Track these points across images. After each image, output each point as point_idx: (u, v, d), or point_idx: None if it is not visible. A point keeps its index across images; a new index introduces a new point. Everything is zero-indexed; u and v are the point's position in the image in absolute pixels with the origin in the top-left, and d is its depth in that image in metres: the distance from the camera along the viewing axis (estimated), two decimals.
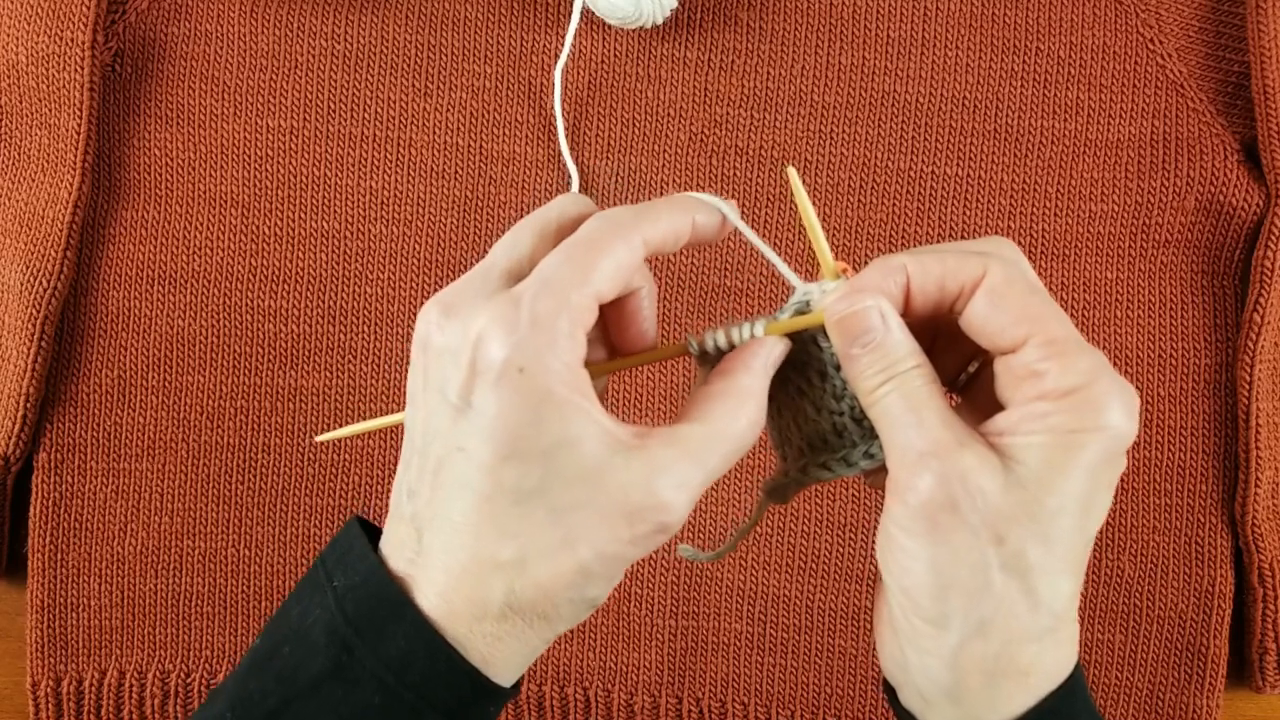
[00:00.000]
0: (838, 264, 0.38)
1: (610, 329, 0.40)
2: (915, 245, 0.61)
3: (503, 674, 0.38)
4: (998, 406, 0.37)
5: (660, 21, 0.60)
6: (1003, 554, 0.35)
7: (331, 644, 0.37)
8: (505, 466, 0.35)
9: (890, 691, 0.40)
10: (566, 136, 0.62)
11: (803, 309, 0.38)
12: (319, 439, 0.48)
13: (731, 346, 0.39)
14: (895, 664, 0.39)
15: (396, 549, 0.38)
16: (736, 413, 0.37)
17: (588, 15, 0.62)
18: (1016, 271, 0.37)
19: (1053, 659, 0.37)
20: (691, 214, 0.39)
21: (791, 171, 0.39)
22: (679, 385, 0.62)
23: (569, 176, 0.62)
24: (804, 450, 0.40)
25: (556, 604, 0.37)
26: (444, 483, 0.37)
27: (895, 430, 0.37)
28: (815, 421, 0.39)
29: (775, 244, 0.61)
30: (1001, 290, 0.36)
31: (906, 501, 0.36)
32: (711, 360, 0.39)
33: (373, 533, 0.40)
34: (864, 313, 0.37)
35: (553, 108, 0.62)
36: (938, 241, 0.62)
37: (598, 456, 0.35)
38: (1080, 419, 0.35)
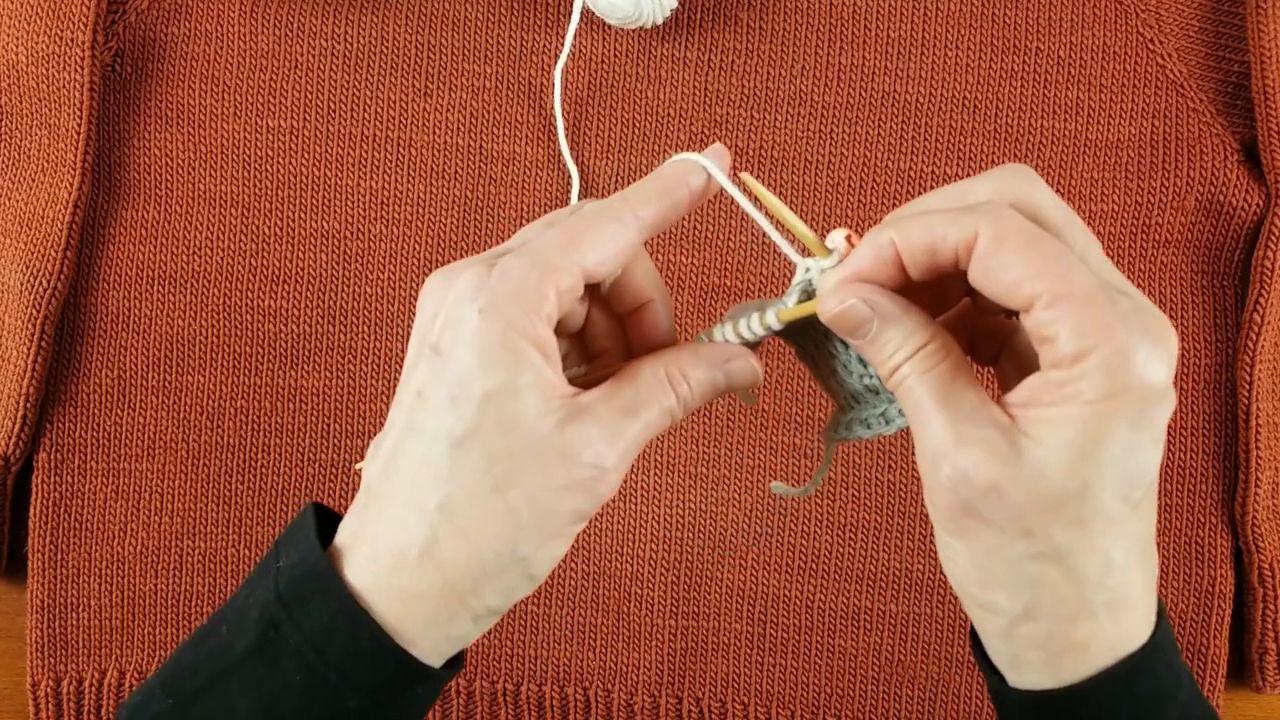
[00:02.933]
0: (843, 230, 0.38)
1: (632, 342, 0.41)
2: None
3: (428, 650, 0.37)
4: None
5: (660, 21, 0.60)
6: (1033, 544, 0.34)
7: (261, 620, 0.37)
8: (449, 408, 0.36)
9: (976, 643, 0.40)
10: (566, 136, 0.62)
11: (807, 288, 0.38)
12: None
13: (742, 340, 0.39)
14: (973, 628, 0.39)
15: (348, 519, 0.39)
16: (668, 393, 0.38)
17: (588, 15, 0.62)
18: (1010, 225, 0.34)
19: (1114, 630, 0.35)
20: (685, 183, 0.39)
21: (746, 177, 0.39)
22: None
23: (569, 176, 0.62)
24: (848, 404, 0.40)
25: (483, 561, 0.36)
26: (400, 428, 0.38)
27: (913, 425, 0.36)
28: (847, 383, 0.39)
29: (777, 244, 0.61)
30: (993, 252, 0.33)
31: (933, 503, 0.35)
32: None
33: (331, 518, 0.40)
34: (851, 310, 0.36)
35: (553, 108, 0.62)
36: None
37: (538, 407, 0.36)
38: (1098, 384, 0.32)
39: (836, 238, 0.37)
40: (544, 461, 0.36)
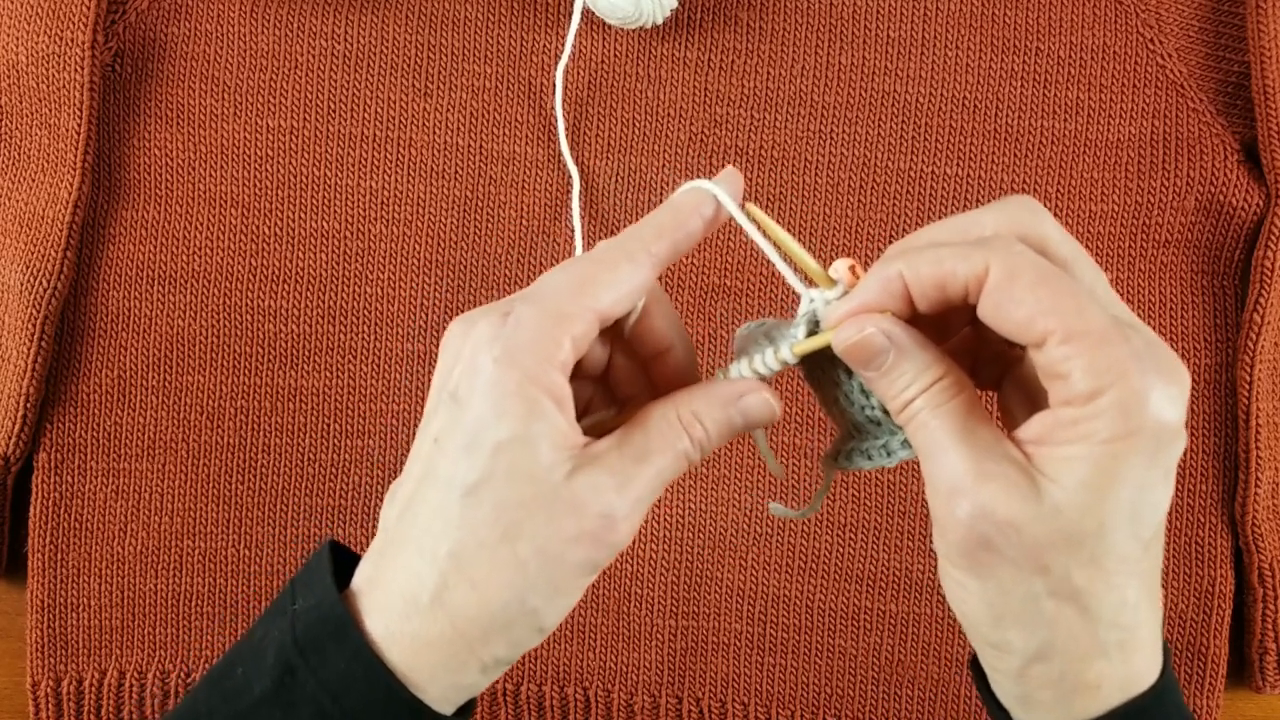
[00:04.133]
0: (847, 260, 0.37)
1: (656, 386, 0.41)
2: None
3: (436, 698, 0.37)
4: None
5: (660, 21, 0.60)
6: (1050, 582, 0.34)
7: (277, 665, 0.37)
8: (463, 456, 0.36)
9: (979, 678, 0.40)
10: (567, 136, 0.62)
11: (813, 319, 0.38)
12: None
13: (758, 375, 0.39)
14: (979, 664, 0.39)
15: (364, 564, 0.38)
16: (681, 436, 0.37)
17: (588, 15, 0.62)
18: (1022, 261, 0.33)
19: (1125, 670, 0.35)
20: (697, 213, 0.38)
21: (752, 207, 0.39)
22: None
23: (569, 177, 0.62)
24: (850, 433, 0.40)
25: (492, 611, 0.36)
26: (416, 476, 0.38)
27: (924, 460, 0.35)
28: (849, 412, 0.39)
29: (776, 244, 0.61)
30: (1005, 288, 0.33)
31: (946, 539, 0.35)
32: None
33: (347, 557, 0.40)
34: (867, 340, 0.35)
35: (553, 108, 0.62)
36: None
37: (550, 457, 0.36)
38: (1112, 424, 0.32)
39: (840, 268, 0.37)
40: (553, 512, 0.36)
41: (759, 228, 0.39)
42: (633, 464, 0.37)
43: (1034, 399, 0.36)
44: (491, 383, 0.35)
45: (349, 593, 0.38)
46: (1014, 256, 0.34)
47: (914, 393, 0.35)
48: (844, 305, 0.36)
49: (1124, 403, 0.32)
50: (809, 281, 0.38)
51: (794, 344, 0.37)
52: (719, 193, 0.39)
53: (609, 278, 0.37)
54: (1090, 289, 0.35)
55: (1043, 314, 0.33)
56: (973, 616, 0.36)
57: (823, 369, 0.39)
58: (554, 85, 0.62)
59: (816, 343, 0.37)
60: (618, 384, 0.41)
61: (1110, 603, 0.34)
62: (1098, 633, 0.34)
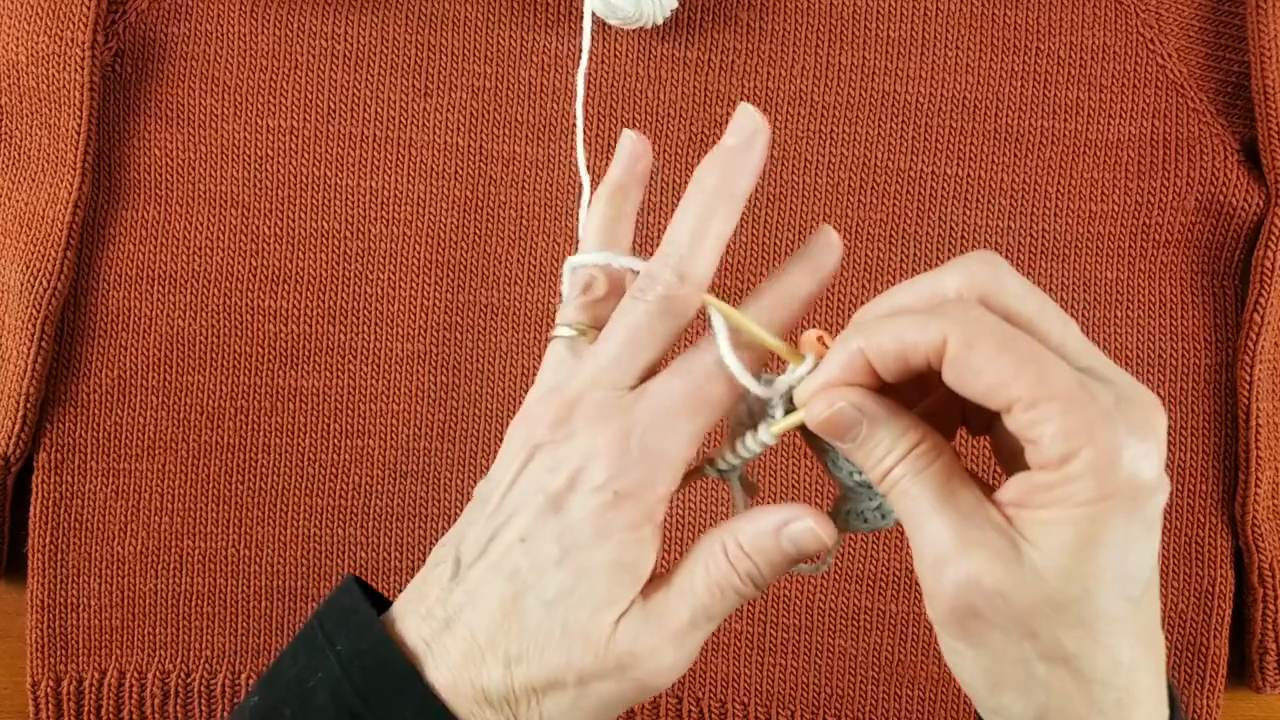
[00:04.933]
0: (814, 331, 0.37)
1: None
2: (915, 246, 0.61)
3: None
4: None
5: (660, 22, 0.60)
6: (1040, 647, 0.33)
7: (340, 711, 0.37)
8: (556, 570, 0.36)
9: None
10: (573, 139, 0.62)
11: (788, 396, 0.37)
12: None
13: (743, 460, 0.39)
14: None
15: (420, 618, 0.38)
16: (731, 575, 0.38)
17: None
18: (979, 328, 0.33)
19: None
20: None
21: (709, 299, 0.38)
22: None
23: (580, 184, 0.62)
24: (846, 495, 0.39)
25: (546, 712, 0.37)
26: (498, 569, 0.37)
27: (908, 530, 0.35)
28: (840, 478, 0.39)
29: (776, 244, 0.62)
30: (964, 358, 0.32)
31: (935, 607, 0.34)
32: (732, 472, 0.40)
33: (370, 594, 0.40)
34: (838, 415, 0.35)
35: (554, 109, 0.62)
36: (938, 244, 0.62)
37: (625, 595, 0.37)
38: (1087, 488, 0.32)
39: (808, 340, 0.37)
40: (596, 646, 0.37)
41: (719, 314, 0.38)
42: (673, 599, 0.37)
43: (1014, 455, 0.36)
44: (607, 506, 0.36)
45: (404, 646, 0.38)
46: (971, 324, 0.33)
47: (892, 461, 0.35)
48: (811, 382, 0.36)
49: (1097, 465, 0.32)
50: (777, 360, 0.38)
51: (771, 425, 0.37)
52: (712, 309, 0.38)
53: (719, 393, 0.38)
54: (1060, 343, 0.34)
55: (1004, 382, 0.32)
56: (970, 683, 0.36)
57: (811, 436, 0.39)
58: (563, 90, 0.62)
59: (792, 422, 0.37)
60: None
61: (1103, 665, 0.34)
62: (1093, 693, 0.34)
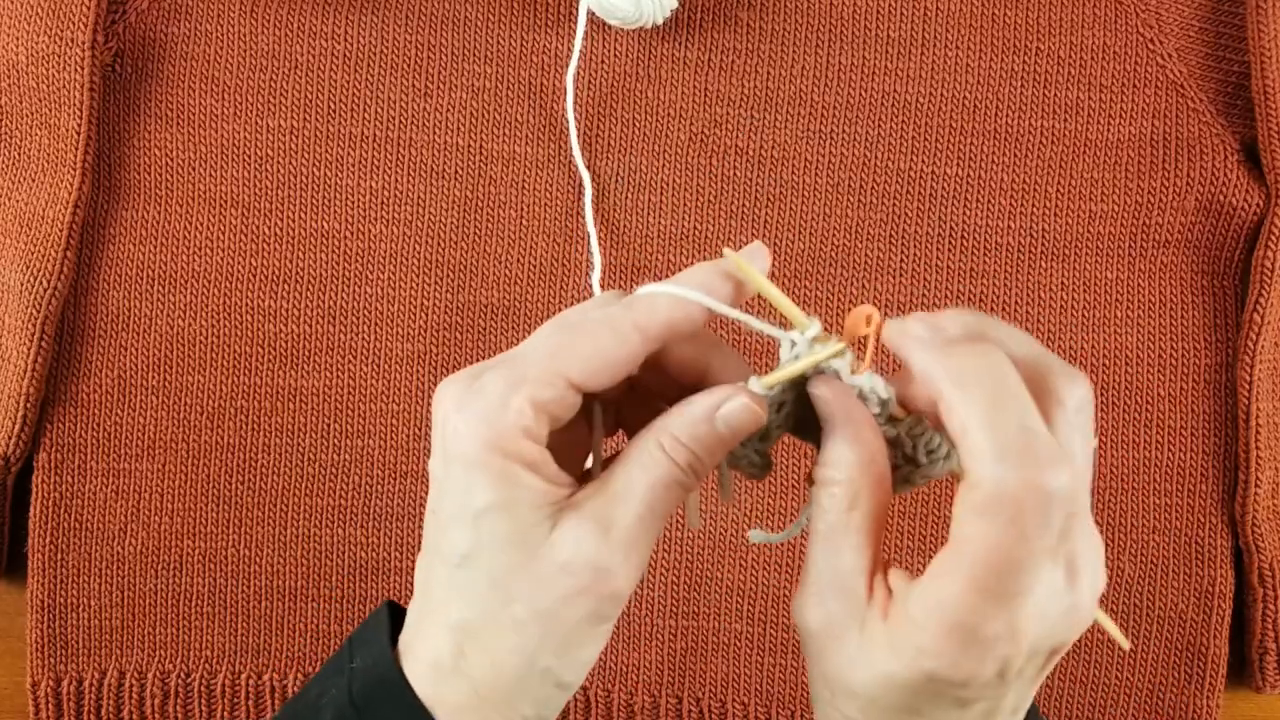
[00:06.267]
0: (866, 308, 0.37)
1: None
2: (915, 246, 0.61)
3: None
4: None
5: (660, 22, 0.60)
6: (836, 702, 0.36)
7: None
8: (452, 528, 0.36)
9: None
10: (576, 140, 0.62)
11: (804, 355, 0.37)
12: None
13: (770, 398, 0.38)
14: None
15: (406, 626, 0.39)
16: (663, 464, 0.36)
17: (588, 16, 0.62)
18: (978, 407, 0.34)
19: None
20: (702, 293, 0.37)
21: (729, 252, 0.37)
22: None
23: (579, 181, 0.62)
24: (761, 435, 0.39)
25: (505, 675, 0.36)
26: (427, 548, 0.38)
27: (810, 528, 0.37)
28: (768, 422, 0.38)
29: (776, 244, 0.61)
30: (948, 414, 0.35)
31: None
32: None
33: (400, 615, 0.40)
34: (844, 399, 0.37)
35: (554, 108, 0.62)
36: (938, 244, 0.62)
37: (530, 517, 0.35)
38: (920, 642, 0.34)
39: (859, 315, 0.37)
40: (541, 573, 0.35)
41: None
42: (617, 505, 0.36)
43: None
44: (460, 453, 0.35)
45: (397, 653, 0.38)
46: (976, 402, 0.34)
47: (839, 477, 0.36)
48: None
49: (935, 634, 0.34)
50: (786, 324, 0.37)
51: (779, 371, 0.37)
52: (745, 264, 0.37)
53: (586, 348, 0.36)
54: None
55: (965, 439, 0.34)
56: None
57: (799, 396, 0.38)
58: (564, 90, 0.62)
59: (796, 369, 0.37)
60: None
61: None
62: None
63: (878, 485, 0.36)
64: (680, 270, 0.37)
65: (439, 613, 0.37)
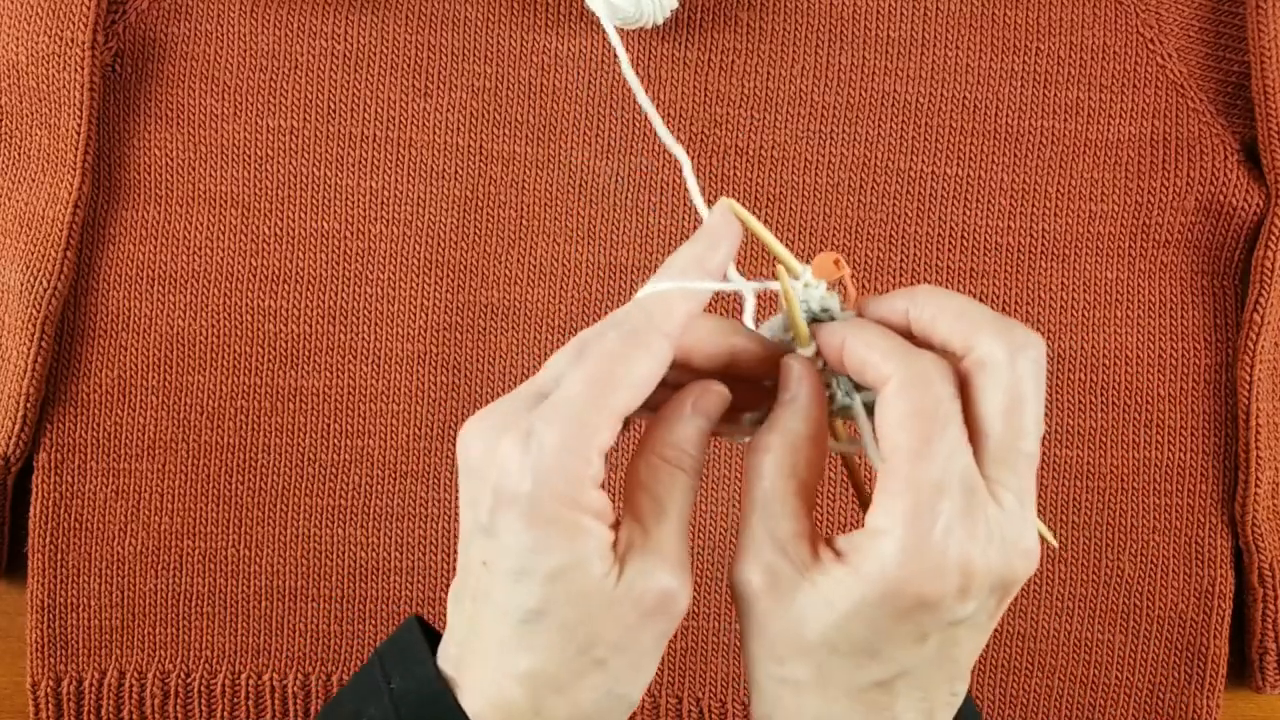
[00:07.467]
0: (830, 254, 0.39)
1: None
2: (915, 246, 0.61)
3: None
4: None
5: (660, 22, 0.60)
6: (782, 674, 0.37)
7: None
8: (516, 585, 0.36)
9: None
10: (573, 139, 0.62)
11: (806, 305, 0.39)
12: None
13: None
14: None
15: (447, 650, 0.39)
16: (676, 475, 0.38)
17: (586, 15, 0.62)
18: (914, 386, 0.36)
19: None
20: (706, 278, 0.38)
21: (728, 202, 0.39)
22: None
23: (664, 160, 0.61)
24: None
25: (584, 709, 0.37)
26: (477, 594, 0.38)
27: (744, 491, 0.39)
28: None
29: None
30: (887, 402, 0.36)
31: (731, 577, 0.39)
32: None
33: (430, 634, 0.40)
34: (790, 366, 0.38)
35: (554, 108, 0.62)
36: (938, 244, 0.62)
37: (601, 569, 0.36)
38: (873, 566, 0.35)
39: (825, 260, 0.39)
40: (618, 614, 0.36)
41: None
42: (658, 528, 0.37)
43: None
44: (529, 515, 0.35)
45: (447, 686, 0.38)
46: (916, 378, 0.36)
47: (774, 437, 0.38)
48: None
49: (893, 555, 0.35)
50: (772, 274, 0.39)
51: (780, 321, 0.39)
52: (738, 217, 0.39)
53: (631, 376, 0.36)
54: (998, 443, 0.36)
55: (894, 442, 0.35)
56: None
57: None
58: (563, 90, 0.62)
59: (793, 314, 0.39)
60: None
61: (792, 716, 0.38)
62: None
63: (819, 456, 0.38)
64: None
65: (503, 661, 0.37)
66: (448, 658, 0.39)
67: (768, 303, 0.41)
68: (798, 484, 0.37)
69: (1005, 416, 0.36)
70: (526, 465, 0.35)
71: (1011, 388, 0.36)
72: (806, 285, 0.39)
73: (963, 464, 0.35)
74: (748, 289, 0.40)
